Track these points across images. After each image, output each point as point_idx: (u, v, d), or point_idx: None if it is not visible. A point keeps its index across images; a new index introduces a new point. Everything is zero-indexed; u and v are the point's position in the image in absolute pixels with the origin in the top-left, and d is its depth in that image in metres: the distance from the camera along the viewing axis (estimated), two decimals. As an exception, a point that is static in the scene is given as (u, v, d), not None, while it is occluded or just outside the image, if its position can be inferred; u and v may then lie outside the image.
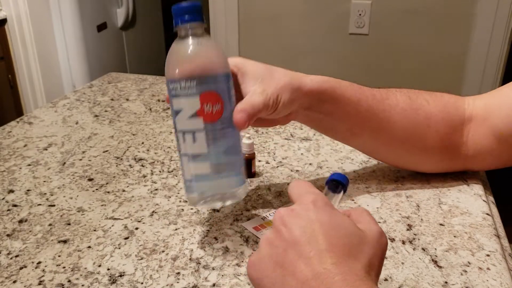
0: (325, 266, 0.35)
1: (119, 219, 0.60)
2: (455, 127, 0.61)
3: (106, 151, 0.78)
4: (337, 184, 0.44)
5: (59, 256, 0.53)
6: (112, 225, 0.58)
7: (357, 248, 0.37)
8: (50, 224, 0.59)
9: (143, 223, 0.58)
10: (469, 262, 0.51)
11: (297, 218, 0.38)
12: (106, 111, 0.96)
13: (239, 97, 0.53)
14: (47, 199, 0.64)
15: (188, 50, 0.49)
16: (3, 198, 0.65)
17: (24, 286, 0.49)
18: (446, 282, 0.48)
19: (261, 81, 0.53)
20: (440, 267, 0.50)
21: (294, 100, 0.54)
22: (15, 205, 0.63)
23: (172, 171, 0.71)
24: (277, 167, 0.72)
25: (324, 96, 0.57)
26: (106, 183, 0.68)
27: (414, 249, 0.53)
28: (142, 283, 0.49)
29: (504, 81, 1.81)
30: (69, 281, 0.49)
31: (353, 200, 0.62)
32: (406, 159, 0.65)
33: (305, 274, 0.35)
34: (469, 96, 0.63)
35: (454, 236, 0.55)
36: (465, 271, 0.49)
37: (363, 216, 0.40)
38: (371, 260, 0.37)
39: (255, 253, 0.40)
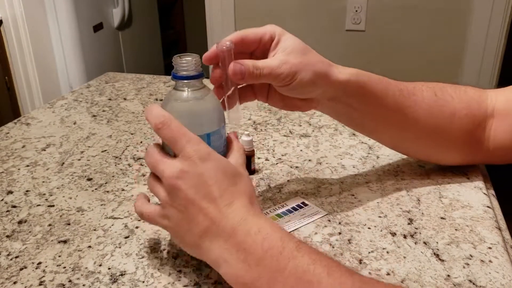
0: (220, 210, 0.43)
1: (119, 218, 0.59)
2: (478, 123, 0.60)
3: (105, 150, 0.78)
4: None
5: (59, 256, 0.53)
6: (112, 225, 0.58)
7: (240, 184, 0.45)
8: (49, 225, 0.59)
9: (143, 222, 0.58)
10: (471, 255, 0.51)
11: (188, 178, 0.43)
12: (104, 111, 0.95)
13: None
14: (46, 199, 0.64)
15: (176, 112, 0.48)
16: (2, 199, 0.64)
17: (25, 287, 0.48)
18: (448, 275, 0.48)
19: (288, 53, 0.52)
20: (442, 260, 0.50)
21: (315, 83, 0.53)
22: (14, 206, 0.63)
23: (171, 170, 0.71)
24: (277, 163, 0.72)
25: (350, 90, 0.55)
26: (105, 183, 0.68)
27: (415, 243, 0.53)
28: (143, 281, 0.48)
29: (501, 77, 1.82)
30: (69, 281, 0.49)
31: (353, 195, 0.62)
32: (428, 153, 0.65)
33: (205, 223, 0.43)
34: (491, 89, 0.63)
35: (456, 230, 0.55)
36: (467, 264, 0.49)
37: (238, 159, 0.49)
38: (252, 193, 0.46)
39: (161, 213, 0.46)
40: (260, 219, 0.43)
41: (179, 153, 0.44)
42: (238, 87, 0.54)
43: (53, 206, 0.63)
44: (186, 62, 0.47)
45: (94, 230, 0.57)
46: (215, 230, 0.43)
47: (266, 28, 0.53)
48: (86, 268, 0.51)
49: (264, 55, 0.54)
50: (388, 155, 0.72)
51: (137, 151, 0.77)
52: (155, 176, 0.46)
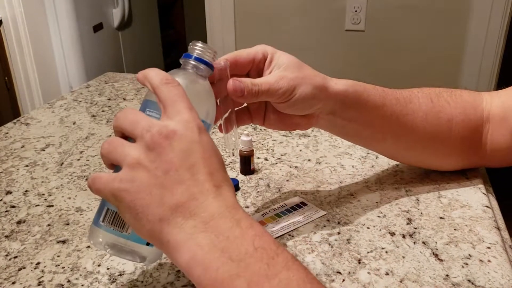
0: (207, 188, 0.37)
1: (118, 218, 0.59)
2: (475, 127, 0.60)
3: (104, 150, 0.78)
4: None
5: (58, 256, 0.53)
6: (111, 224, 0.58)
7: (226, 173, 0.40)
8: (48, 225, 0.59)
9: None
10: (470, 255, 0.51)
11: (180, 141, 0.37)
12: (103, 111, 0.95)
13: None
14: (45, 199, 0.64)
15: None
16: (1, 200, 0.65)
17: (24, 287, 0.48)
18: (447, 275, 0.48)
19: (284, 69, 0.51)
20: (441, 260, 0.50)
21: (315, 97, 0.52)
22: (13, 206, 0.63)
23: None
24: (276, 163, 0.72)
25: (349, 101, 0.55)
26: (105, 183, 0.68)
27: (414, 242, 0.53)
28: (142, 281, 0.48)
29: (500, 76, 1.82)
30: (68, 281, 0.49)
31: (352, 195, 0.62)
32: (426, 160, 0.64)
33: (184, 196, 0.37)
34: (485, 92, 0.63)
35: (455, 229, 0.55)
36: (466, 264, 0.49)
37: None
38: (235, 197, 0.40)
39: (124, 174, 0.37)
40: (251, 219, 0.38)
41: (174, 116, 0.39)
42: (235, 109, 0.53)
43: (52, 206, 0.63)
44: (203, 46, 0.46)
45: (93, 230, 0.57)
46: (194, 207, 0.36)
47: (257, 47, 0.53)
48: (85, 268, 0.51)
49: (259, 75, 0.53)
50: (387, 155, 0.72)
51: (136, 151, 0.77)
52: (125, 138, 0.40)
